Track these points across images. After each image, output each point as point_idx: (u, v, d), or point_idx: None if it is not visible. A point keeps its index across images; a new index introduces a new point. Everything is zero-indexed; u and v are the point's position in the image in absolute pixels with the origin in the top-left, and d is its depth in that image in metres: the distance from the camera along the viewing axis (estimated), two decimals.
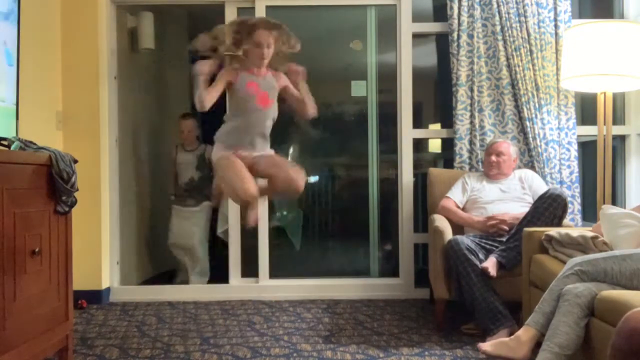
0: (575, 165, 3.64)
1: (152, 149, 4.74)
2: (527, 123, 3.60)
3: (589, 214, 3.77)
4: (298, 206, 4.55)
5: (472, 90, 3.70)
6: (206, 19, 5.27)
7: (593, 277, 2.06)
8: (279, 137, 2.78)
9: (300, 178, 2.63)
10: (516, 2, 3.64)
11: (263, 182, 2.72)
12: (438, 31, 3.95)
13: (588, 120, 3.91)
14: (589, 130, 3.80)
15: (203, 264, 4.35)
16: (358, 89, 4.19)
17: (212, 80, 2.66)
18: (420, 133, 4.00)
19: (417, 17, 3.92)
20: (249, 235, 4.08)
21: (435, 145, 4.91)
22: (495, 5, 3.64)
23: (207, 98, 2.62)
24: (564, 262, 2.36)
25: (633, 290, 1.98)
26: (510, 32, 3.63)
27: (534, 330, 2.13)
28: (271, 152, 2.77)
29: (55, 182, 2.34)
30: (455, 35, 3.70)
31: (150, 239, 4.65)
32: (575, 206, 3.62)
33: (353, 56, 4.24)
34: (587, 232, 2.55)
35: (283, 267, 4.11)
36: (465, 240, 3.00)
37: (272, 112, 2.72)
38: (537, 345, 2.10)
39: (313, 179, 4.77)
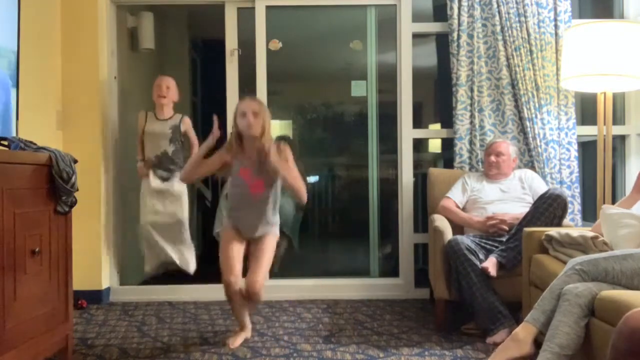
0: (575, 165, 3.63)
1: None
2: (527, 123, 3.60)
3: (589, 214, 3.77)
4: (299, 206, 4.54)
5: (472, 90, 3.70)
6: (206, 19, 5.29)
7: (594, 277, 2.06)
8: None
9: (258, 286, 2.73)
10: (516, 2, 3.64)
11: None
12: (438, 31, 3.95)
13: (588, 120, 3.91)
14: (589, 130, 3.80)
15: (186, 244, 3.79)
16: (358, 89, 4.20)
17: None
18: (420, 133, 4.00)
19: (417, 17, 3.92)
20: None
21: (435, 145, 4.91)
22: (495, 5, 3.64)
23: (196, 171, 2.82)
24: (564, 262, 2.36)
25: (634, 290, 1.98)
26: (510, 32, 3.63)
27: (533, 327, 2.12)
28: (273, 233, 2.87)
29: (55, 182, 2.34)
30: (455, 35, 3.70)
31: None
32: (575, 206, 3.62)
33: (353, 56, 4.24)
34: (587, 232, 2.55)
35: (283, 267, 4.11)
36: (465, 240, 3.00)
37: (270, 196, 2.80)
38: (538, 345, 2.10)
39: (313, 179, 4.78)
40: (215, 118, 2.77)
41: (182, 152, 3.82)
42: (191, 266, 3.79)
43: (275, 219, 2.90)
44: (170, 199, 3.74)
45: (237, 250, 2.82)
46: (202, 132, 5.73)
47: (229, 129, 3.90)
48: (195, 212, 5.46)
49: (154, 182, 3.71)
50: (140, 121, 3.79)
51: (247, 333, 2.90)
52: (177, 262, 3.74)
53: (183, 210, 3.76)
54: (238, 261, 2.81)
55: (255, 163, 2.76)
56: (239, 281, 2.77)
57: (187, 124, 3.83)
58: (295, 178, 2.73)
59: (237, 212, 2.85)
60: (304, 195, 2.76)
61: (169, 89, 3.76)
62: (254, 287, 2.72)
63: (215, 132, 2.76)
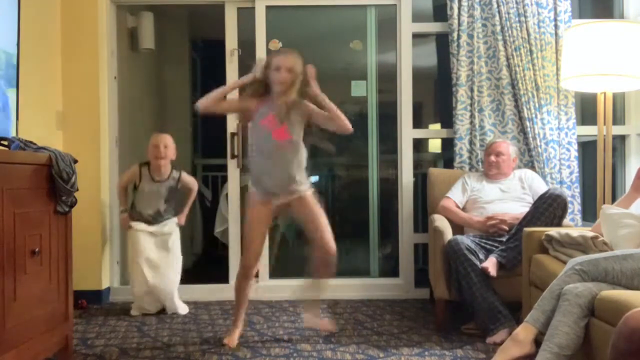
0: (575, 165, 3.63)
1: None
2: (527, 123, 3.60)
3: (589, 214, 3.77)
4: None
5: (472, 90, 3.70)
6: (206, 19, 5.29)
7: (594, 277, 2.06)
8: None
9: (332, 244, 2.83)
10: (516, 2, 3.64)
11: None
12: (438, 31, 3.95)
13: (588, 120, 3.91)
14: (589, 130, 3.80)
15: (174, 288, 3.48)
16: (358, 89, 4.19)
17: None
18: (420, 133, 4.00)
19: (417, 17, 3.92)
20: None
21: (435, 145, 4.91)
22: (495, 5, 3.64)
23: (216, 105, 2.72)
24: (564, 262, 2.36)
25: (634, 290, 1.98)
26: (510, 32, 3.62)
27: (532, 327, 2.13)
28: (307, 191, 2.80)
29: (55, 182, 2.34)
30: (455, 35, 3.70)
31: None
32: (575, 206, 3.62)
33: (353, 56, 4.24)
34: (587, 232, 2.55)
35: (283, 267, 4.11)
36: (465, 240, 3.00)
37: (295, 147, 2.73)
38: (538, 345, 2.10)
39: (313, 179, 4.78)
40: (257, 62, 2.74)
41: (173, 206, 3.61)
42: (180, 309, 3.49)
43: (305, 178, 2.80)
44: (162, 238, 3.49)
45: (264, 233, 2.81)
46: (202, 132, 5.68)
47: (229, 128, 3.92)
48: (199, 212, 5.46)
49: (142, 226, 3.47)
50: (132, 176, 3.51)
51: (240, 328, 2.91)
52: (166, 306, 3.47)
53: (175, 247, 3.53)
54: (262, 245, 2.82)
55: (281, 109, 2.69)
56: (256, 267, 2.83)
57: (184, 180, 3.61)
58: (336, 109, 2.68)
59: (263, 166, 2.73)
60: (347, 123, 2.67)
61: (167, 148, 3.48)
62: (330, 247, 2.81)
63: (253, 74, 2.75)
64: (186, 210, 3.70)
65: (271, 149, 2.71)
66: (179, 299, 3.53)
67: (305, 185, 2.80)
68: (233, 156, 3.92)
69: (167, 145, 3.49)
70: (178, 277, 3.53)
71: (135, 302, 3.49)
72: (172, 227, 3.54)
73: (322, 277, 2.91)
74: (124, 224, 3.53)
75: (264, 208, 2.78)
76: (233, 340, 2.80)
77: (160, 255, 3.46)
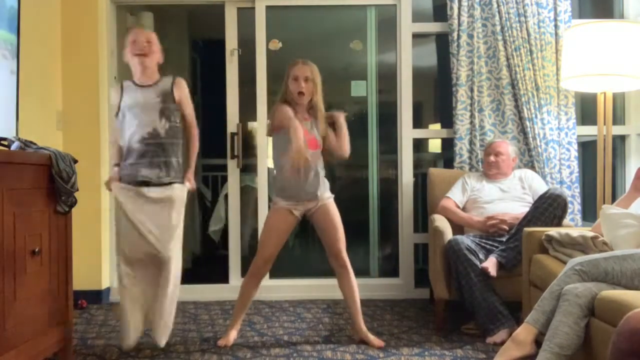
0: (575, 165, 3.64)
1: None
2: (527, 123, 3.61)
3: (589, 214, 3.77)
4: None
5: (472, 90, 3.70)
6: (206, 19, 5.29)
7: (594, 277, 2.06)
8: None
9: (344, 255, 2.86)
10: (516, 2, 3.64)
11: None
12: (438, 31, 3.95)
13: (588, 120, 3.91)
14: (589, 130, 3.80)
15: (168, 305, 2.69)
16: (358, 89, 4.19)
17: None
18: (420, 133, 4.00)
19: (417, 17, 3.92)
20: (249, 235, 4.08)
21: (435, 145, 4.90)
22: (495, 5, 3.65)
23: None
24: (564, 262, 2.36)
25: (634, 290, 1.98)
26: (510, 32, 3.63)
27: (533, 328, 2.13)
28: (329, 199, 2.85)
29: (55, 182, 2.34)
30: (455, 35, 3.70)
31: None
32: (575, 206, 3.62)
33: (353, 56, 4.24)
34: (587, 232, 2.55)
35: (283, 267, 4.11)
36: (465, 240, 3.00)
37: (320, 156, 2.82)
38: (539, 345, 2.10)
39: None
40: None
41: (180, 132, 2.75)
42: (162, 340, 2.69)
43: (326, 185, 2.87)
44: (162, 216, 2.64)
45: (278, 241, 2.82)
46: (202, 132, 5.62)
47: (229, 128, 3.92)
48: (198, 212, 5.46)
49: (128, 191, 2.65)
50: (113, 97, 2.76)
51: (238, 329, 2.91)
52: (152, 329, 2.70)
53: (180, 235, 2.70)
54: (273, 252, 2.83)
55: (308, 121, 2.78)
56: (266, 272, 2.88)
57: (181, 88, 2.75)
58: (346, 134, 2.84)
59: (295, 176, 2.72)
60: (348, 147, 2.84)
61: (151, 44, 2.67)
62: (340, 258, 2.84)
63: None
64: (192, 164, 2.81)
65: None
66: (170, 318, 2.72)
67: (327, 192, 2.86)
68: (233, 156, 3.92)
69: (150, 40, 2.69)
70: (178, 277, 2.79)
71: (124, 331, 2.65)
72: (179, 193, 2.69)
73: (344, 284, 2.93)
74: (108, 182, 2.77)
75: (284, 217, 2.80)
76: (228, 340, 2.81)
77: (167, 244, 2.63)
